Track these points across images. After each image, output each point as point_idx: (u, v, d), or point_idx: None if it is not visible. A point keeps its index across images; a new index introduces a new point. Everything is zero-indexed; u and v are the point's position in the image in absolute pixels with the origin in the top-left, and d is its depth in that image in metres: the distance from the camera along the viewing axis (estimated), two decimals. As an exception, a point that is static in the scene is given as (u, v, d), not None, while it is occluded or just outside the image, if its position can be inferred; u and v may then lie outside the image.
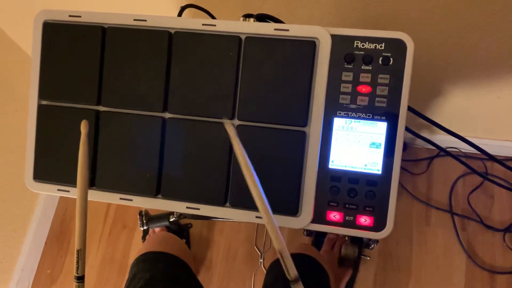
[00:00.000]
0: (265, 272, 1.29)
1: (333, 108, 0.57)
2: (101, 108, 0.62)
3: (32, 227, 1.43)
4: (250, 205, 0.59)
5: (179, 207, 0.61)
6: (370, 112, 0.56)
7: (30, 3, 1.03)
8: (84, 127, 0.48)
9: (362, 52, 0.56)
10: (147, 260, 0.91)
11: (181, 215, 1.14)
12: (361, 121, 0.56)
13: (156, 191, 0.61)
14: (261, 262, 1.31)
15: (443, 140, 1.08)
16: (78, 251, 0.45)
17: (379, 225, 0.57)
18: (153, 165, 0.60)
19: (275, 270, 0.90)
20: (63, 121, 0.63)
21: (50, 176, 0.64)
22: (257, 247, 1.33)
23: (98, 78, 0.61)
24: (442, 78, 1.01)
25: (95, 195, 0.63)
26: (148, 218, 1.21)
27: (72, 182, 0.63)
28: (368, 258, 1.27)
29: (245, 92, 0.58)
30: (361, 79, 0.56)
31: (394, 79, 0.55)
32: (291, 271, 0.42)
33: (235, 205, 0.60)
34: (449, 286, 1.23)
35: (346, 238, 1.23)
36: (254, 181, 0.41)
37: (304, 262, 0.89)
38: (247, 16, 0.63)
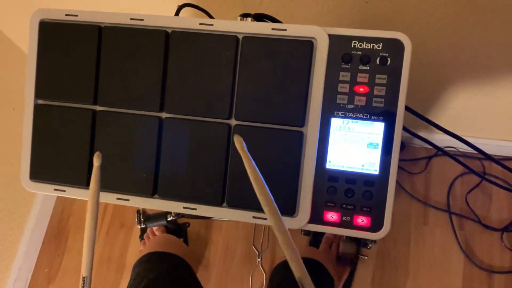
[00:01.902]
0: (263, 271, 1.29)
1: (331, 108, 0.57)
2: (98, 108, 0.62)
3: (30, 226, 1.42)
4: (248, 205, 0.59)
5: (176, 207, 0.61)
6: (367, 112, 0.56)
7: (27, 2, 1.02)
8: (97, 159, 0.46)
9: (360, 52, 0.56)
10: (150, 261, 0.91)
11: (178, 214, 1.13)
12: (358, 121, 0.56)
13: (153, 191, 0.61)
14: (258, 261, 1.31)
15: (441, 139, 1.07)
16: (83, 278, 0.42)
17: (376, 225, 0.57)
18: (150, 165, 0.60)
19: (279, 275, 0.89)
20: (60, 120, 0.62)
21: (47, 176, 0.63)
22: (255, 247, 1.33)
23: (94, 77, 0.61)
24: (441, 78, 1.01)
25: (91, 195, 0.62)
26: (146, 217, 1.20)
27: (68, 182, 0.63)
28: (366, 257, 1.27)
29: (242, 92, 0.58)
30: (358, 79, 0.56)
31: (391, 79, 0.55)
32: None
33: (232, 205, 0.59)
34: (447, 286, 1.23)
35: (344, 237, 1.23)
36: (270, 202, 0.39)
37: (310, 268, 0.89)
38: (244, 15, 0.62)
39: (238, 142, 0.43)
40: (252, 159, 0.42)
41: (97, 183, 0.46)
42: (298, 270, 0.37)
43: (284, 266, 0.92)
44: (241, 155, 0.42)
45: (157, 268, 0.87)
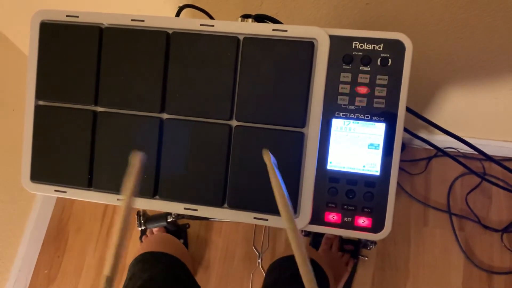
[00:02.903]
0: (263, 272, 1.29)
1: (332, 109, 0.57)
2: (98, 109, 0.62)
3: (30, 227, 1.42)
4: (248, 206, 0.59)
5: (177, 208, 0.61)
6: (368, 113, 0.56)
7: (28, 3, 1.02)
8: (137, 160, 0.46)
9: (361, 53, 0.56)
10: (145, 260, 0.91)
11: (178, 215, 1.13)
12: (359, 122, 0.56)
13: (153, 192, 0.61)
14: (259, 262, 1.31)
15: (442, 140, 1.08)
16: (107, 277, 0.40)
17: (377, 226, 0.57)
18: (150, 166, 0.60)
19: (275, 272, 0.89)
20: (60, 121, 0.62)
21: (47, 177, 0.63)
22: (255, 247, 1.33)
23: (95, 78, 0.61)
24: (441, 79, 1.01)
25: (92, 196, 0.62)
26: (146, 218, 1.20)
27: (69, 183, 0.63)
28: (366, 258, 1.27)
29: (243, 93, 0.58)
30: (359, 80, 0.56)
31: (392, 80, 0.55)
32: None
33: (233, 206, 0.59)
34: (447, 286, 1.23)
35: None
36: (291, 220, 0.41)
37: None
38: (245, 16, 0.62)
39: (266, 156, 0.47)
40: (279, 174, 0.45)
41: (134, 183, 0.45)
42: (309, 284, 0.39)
43: (279, 265, 0.92)
44: (268, 169, 0.46)
45: (153, 268, 0.87)
